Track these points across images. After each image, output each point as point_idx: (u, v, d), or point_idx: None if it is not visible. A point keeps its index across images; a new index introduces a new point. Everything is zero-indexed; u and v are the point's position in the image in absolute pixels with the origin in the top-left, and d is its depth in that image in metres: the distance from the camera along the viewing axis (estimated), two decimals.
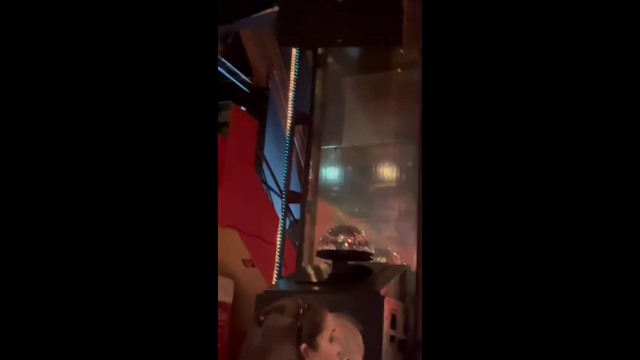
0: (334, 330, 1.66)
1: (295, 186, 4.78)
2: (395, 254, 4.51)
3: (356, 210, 4.51)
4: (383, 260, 4.36)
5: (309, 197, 4.54)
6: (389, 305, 3.60)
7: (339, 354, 1.64)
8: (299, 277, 4.06)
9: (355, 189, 4.56)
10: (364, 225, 4.49)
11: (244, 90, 7.86)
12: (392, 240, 4.52)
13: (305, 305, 1.63)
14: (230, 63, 7.45)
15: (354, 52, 4.65)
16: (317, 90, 4.53)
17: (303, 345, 1.54)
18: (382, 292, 3.64)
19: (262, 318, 1.60)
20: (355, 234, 3.96)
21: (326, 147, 4.53)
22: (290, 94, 4.54)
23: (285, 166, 4.50)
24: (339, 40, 4.06)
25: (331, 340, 1.64)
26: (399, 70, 4.40)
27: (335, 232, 3.95)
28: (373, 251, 3.98)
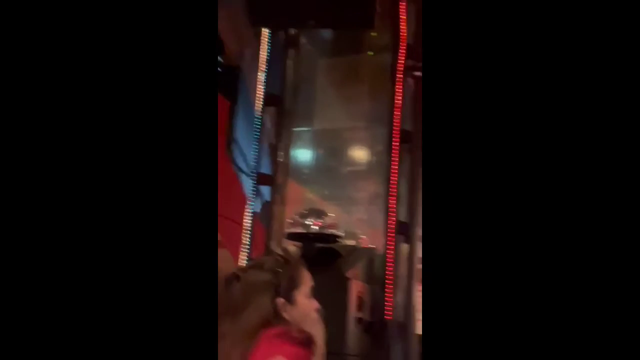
0: (312, 286, 1.66)
1: (265, 168, 4.77)
2: (364, 236, 4.55)
3: (326, 192, 4.54)
4: (352, 242, 4.40)
5: (279, 179, 4.54)
6: (356, 288, 3.65)
7: (317, 309, 1.66)
8: None
9: (326, 172, 4.58)
10: (334, 208, 4.52)
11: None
12: (362, 222, 4.56)
13: (284, 262, 1.64)
14: None
15: (326, 34, 4.63)
16: (289, 71, 4.50)
17: (280, 300, 1.56)
18: (349, 274, 3.68)
19: (240, 274, 1.62)
20: (324, 217, 3.98)
21: (297, 129, 4.52)
22: (262, 75, 4.51)
23: (256, 148, 4.48)
24: (311, 22, 4.04)
25: (309, 296, 1.66)
26: (370, 53, 4.39)
27: (304, 215, 3.97)
28: (342, 234, 4.01)
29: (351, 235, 4.48)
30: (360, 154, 4.43)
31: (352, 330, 3.56)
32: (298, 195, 4.67)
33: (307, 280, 1.67)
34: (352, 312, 3.58)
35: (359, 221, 4.51)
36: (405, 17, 4.07)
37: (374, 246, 4.22)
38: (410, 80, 4.14)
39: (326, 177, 4.52)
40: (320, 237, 3.90)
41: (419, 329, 4.00)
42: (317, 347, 1.61)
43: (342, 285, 3.59)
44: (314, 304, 1.66)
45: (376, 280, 4.01)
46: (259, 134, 4.42)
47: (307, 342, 1.55)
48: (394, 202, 4.04)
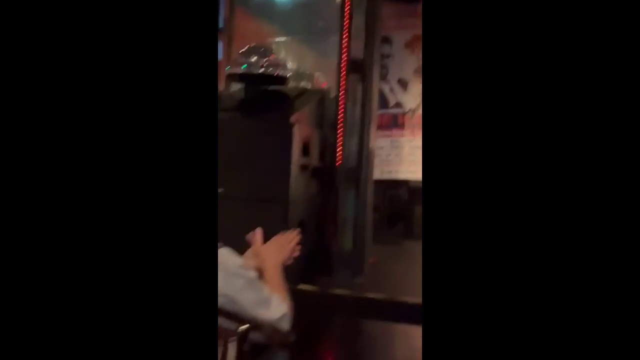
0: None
1: None
2: (318, 75, 4.18)
3: (277, 26, 4.08)
4: (304, 84, 4.05)
5: (226, 12, 4.07)
6: (300, 133, 3.38)
7: None
8: None
9: (276, 4, 4.08)
10: (286, 43, 4.11)
11: None
12: (317, 60, 4.17)
13: None
14: None
15: None
16: None
17: None
18: (293, 119, 3.38)
19: None
20: (270, 54, 3.59)
21: None
22: None
23: None
24: None
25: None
26: None
27: (247, 53, 3.56)
28: (288, 74, 3.64)
29: (304, 75, 4.12)
30: None
31: (296, 177, 3.35)
32: (248, 29, 4.22)
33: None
34: (296, 158, 3.34)
35: (313, 59, 4.12)
36: None
37: (327, 87, 3.88)
38: None
39: (276, 8, 4.03)
40: (265, 78, 3.53)
41: (373, 175, 3.81)
42: None
43: (285, 130, 3.32)
44: None
45: (327, 124, 3.74)
46: None
47: None
48: (347, 37, 3.62)
